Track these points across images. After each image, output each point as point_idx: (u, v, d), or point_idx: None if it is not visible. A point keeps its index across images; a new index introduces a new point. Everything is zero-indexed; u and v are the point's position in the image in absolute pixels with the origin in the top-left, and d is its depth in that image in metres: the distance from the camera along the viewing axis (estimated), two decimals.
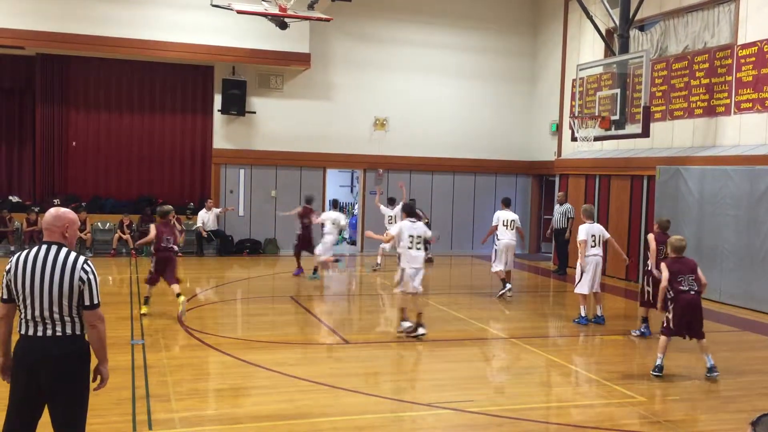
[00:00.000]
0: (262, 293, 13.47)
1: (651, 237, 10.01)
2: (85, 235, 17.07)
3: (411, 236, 9.46)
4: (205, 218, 17.66)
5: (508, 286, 12.65)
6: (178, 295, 10.29)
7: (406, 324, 9.56)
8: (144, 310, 10.51)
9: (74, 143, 17.97)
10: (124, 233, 17.33)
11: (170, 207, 11.29)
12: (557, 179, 18.59)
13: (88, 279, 4.31)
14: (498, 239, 12.81)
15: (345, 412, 6.57)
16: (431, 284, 15.15)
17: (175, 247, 10.73)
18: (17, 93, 17.96)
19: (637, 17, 14.84)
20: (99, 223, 17.65)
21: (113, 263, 16.24)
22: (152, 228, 10.79)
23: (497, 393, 7.58)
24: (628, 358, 9.28)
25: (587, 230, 10.61)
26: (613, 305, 13.25)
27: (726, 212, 13.10)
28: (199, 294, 12.80)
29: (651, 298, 9.72)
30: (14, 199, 17.70)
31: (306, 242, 14.91)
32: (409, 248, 9.45)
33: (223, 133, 18.65)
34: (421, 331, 9.45)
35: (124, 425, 6.05)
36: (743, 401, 7.29)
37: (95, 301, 4.33)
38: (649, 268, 9.85)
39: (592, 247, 10.59)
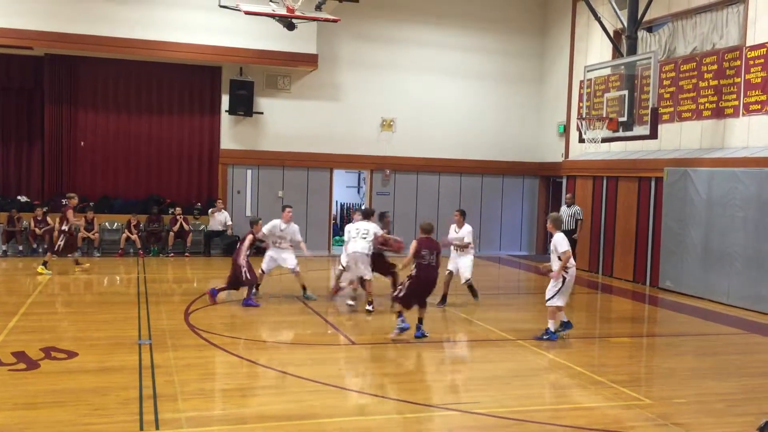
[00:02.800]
0: (268, 294, 13.48)
1: None
2: (93, 234, 17.14)
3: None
4: (220, 218, 17.72)
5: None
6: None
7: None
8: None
9: (82, 143, 18.05)
10: (131, 233, 17.39)
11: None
12: (564, 181, 18.55)
13: None
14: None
15: (352, 413, 6.58)
16: (437, 285, 15.14)
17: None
18: (26, 93, 18.04)
19: (646, 18, 14.81)
20: (107, 223, 17.71)
21: (121, 263, 16.29)
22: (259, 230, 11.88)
23: (504, 395, 7.57)
24: (635, 360, 9.25)
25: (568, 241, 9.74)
26: (620, 307, 13.22)
27: (734, 214, 13.05)
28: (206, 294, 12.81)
29: None
30: (22, 198, 17.79)
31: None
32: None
33: (231, 134, 18.69)
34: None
35: (131, 425, 6.06)
36: (750, 404, 7.25)
37: None
38: None
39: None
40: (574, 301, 13.21)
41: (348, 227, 11.96)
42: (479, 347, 9.62)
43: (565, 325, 9.84)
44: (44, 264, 14.36)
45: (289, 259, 12.48)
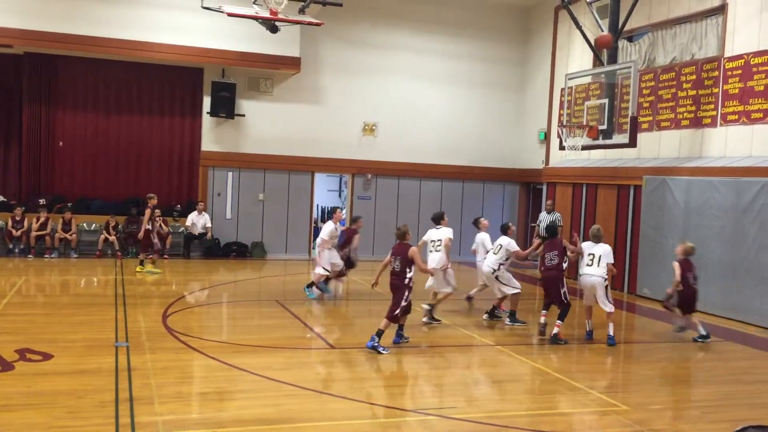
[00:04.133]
0: (248, 297, 13.43)
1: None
2: (71, 235, 16.97)
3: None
4: (196, 220, 17.61)
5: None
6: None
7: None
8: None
9: (61, 143, 17.86)
10: (110, 234, 17.23)
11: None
12: (545, 187, 18.67)
13: None
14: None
15: (330, 418, 6.56)
16: (417, 289, 15.17)
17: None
18: (4, 92, 17.81)
19: (626, 28, 14.96)
20: (85, 224, 17.54)
21: (99, 264, 16.14)
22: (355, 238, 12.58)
23: (482, 400, 7.59)
24: (613, 367, 9.32)
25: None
26: (599, 314, 13.28)
27: (711, 223, 13.20)
28: (186, 296, 12.73)
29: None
30: None
31: None
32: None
33: (212, 136, 18.60)
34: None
35: (107, 428, 6.00)
36: (725, 411, 7.34)
37: None
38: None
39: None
40: (554, 308, 13.27)
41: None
42: (459, 353, 9.63)
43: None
44: (141, 263, 15.01)
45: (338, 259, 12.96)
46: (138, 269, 14.95)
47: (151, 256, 15.33)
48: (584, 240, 10.90)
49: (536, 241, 12.34)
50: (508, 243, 11.19)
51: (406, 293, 9.20)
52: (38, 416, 6.21)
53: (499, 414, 6.92)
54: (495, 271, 11.14)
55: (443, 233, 11.01)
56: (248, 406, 6.84)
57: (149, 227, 15.02)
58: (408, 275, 9.18)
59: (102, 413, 6.33)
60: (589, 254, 10.30)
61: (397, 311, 9.16)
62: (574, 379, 8.24)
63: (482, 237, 12.04)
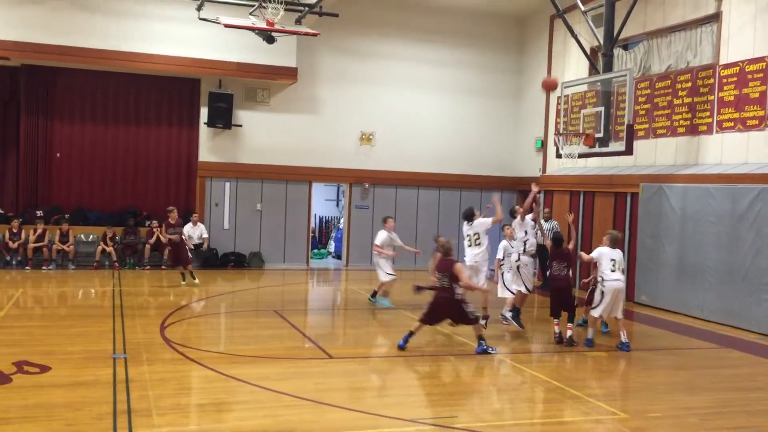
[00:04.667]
0: (246, 307, 13.41)
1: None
2: (68, 247, 16.95)
3: None
4: (192, 232, 17.58)
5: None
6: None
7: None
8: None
9: (58, 154, 17.86)
10: (107, 245, 17.23)
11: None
12: (542, 195, 18.68)
13: None
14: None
15: (328, 428, 6.55)
16: (416, 299, 15.17)
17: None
18: (1, 104, 17.83)
19: (621, 36, 15.02)
20: (82, 235, 17.53)
21: (96, 276, 16.12)
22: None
23: (482, 409, 7.59)
24: (611, 375, 9.32)
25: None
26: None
27: (708, 230, 13.23)
28: (183, 307, 12.71)
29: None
30: None
31: None
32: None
33: (209, 146, 18.62)
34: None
35: None
36: (723, 418, 7.33)
37: None
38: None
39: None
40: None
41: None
42: (457, 361, 9.63)
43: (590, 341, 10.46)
44: (184, 276, 15.00)
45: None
46: (184, 282, 14.91)
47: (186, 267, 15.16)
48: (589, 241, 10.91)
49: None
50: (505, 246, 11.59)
51: (464, 307, 9.49)
52: (36, 429, 6.19)
53: (498, 423, 6.91)
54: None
55: (480, 225, 11.36)
56: (246, 417, 6.82)
57: (167, 239, 15.17)
58: (457, 291, 9.46)
59: (100, 425, 6.32)
60: (611, 259, 10.35)
61: (473, 314, 9.60)
62: (572, 387, 8.23)
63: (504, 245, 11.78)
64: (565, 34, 17.02)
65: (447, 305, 9.49)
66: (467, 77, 20.47)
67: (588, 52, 15.82)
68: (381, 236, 13.24)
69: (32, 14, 16.18)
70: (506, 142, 20.91)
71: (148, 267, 17.33)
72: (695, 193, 13.57)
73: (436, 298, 9.61)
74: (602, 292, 10.30)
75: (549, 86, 12.76)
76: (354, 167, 19.60)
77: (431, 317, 9.67)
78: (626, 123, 13.61)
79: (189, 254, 15.35)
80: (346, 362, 9.20)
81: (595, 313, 10.43)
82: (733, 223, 12.71)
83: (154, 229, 17.46)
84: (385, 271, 13.08)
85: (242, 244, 18.86)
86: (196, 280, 14.98)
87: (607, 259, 10.35)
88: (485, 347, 9.65)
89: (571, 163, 16.51)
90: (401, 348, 9.59)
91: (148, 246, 17.42)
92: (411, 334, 9.71)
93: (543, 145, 19.44)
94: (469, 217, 11.49)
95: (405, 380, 8.63)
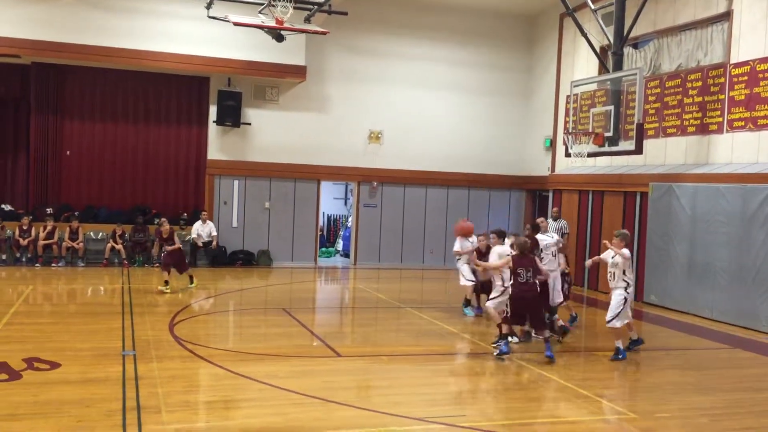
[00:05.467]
0: (254, 305, 13.45)
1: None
2: (78, 244, 17.03)
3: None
4: (201, 230, 17.62)
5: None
6: None
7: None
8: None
9: (68, 152, 17.95)
10: (116, 243, 17.29)
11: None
12: (551, 194, 18.65)
13: None
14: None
15: (336, 426, 6.55)
16: (424, 298, 15.16)
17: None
18: (12, 102, 17.94)
19: (631, 35, 14.96)
20: (92, 233, 17.60)
21: (105, 273, 16.19)
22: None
23: (490, 408, 7.58)
24: (620, 374, 9.28)
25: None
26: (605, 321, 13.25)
27: (718, 230, 13.16)
28: (192, 305, 12.75)
29: None
30: (7, 207, 17.65)
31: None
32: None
33: (218, 144, 18.67)
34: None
35: None
36: (733, 419, 7.30)
37: None
38: None
39: None
40: (560, 314, 13.25)
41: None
42: (466, 361, 9.62)
43: (635, 342, 10.12)
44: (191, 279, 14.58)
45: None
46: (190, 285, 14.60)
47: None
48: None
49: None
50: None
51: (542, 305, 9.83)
52: (46, 425, 6.22)
53: (506, 422, 6.90)
54: None
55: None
56: (255, 415, 6.84)
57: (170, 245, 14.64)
58: (537, 285, 9.63)
59: (109, 422, 6.35)
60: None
61: (544, 316, 9.85)
62: (581, 386, 8.21)
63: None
64: (575, 32, 16.97)
65: (532, 299, 9.51)
66: (476, 76, 20.43)
67: (598, 50, 15.77)
68: (459, 241, 12.57)
69: (42, 12, 16.25)
70: (515, 141, 20.86)
71: (157, 265, 17.37)
72: (705, 192, 13.50)
73: (520, 293, 9.45)
74: (625, 299, 9.67)
75: (463, 232, 12.44)
76: (362, 166, 19.60)
77: (517, 316, 9.65)
78: (636, 122, 13.56)
79: (186, 262, 14.89)
80: (355, 360, 9.20)
81: (618, 323, 9.66)
82: (743, 223, 12.64)
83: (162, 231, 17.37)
84: (466, 278, 12.45)
85: (251, 242, 18.89)
86: (192, 285, 14.85)
87: (630, 262, 9.83)
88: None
89: (580, 162, 16.47)
90: (504, 353, 9.44)
91: (157, 244, 17.44)
92: (507, 336, 9.69)
93: (552, 144, 19.38)
94: (502, 235, 10.94)
95: (413, 378, 8.63)
